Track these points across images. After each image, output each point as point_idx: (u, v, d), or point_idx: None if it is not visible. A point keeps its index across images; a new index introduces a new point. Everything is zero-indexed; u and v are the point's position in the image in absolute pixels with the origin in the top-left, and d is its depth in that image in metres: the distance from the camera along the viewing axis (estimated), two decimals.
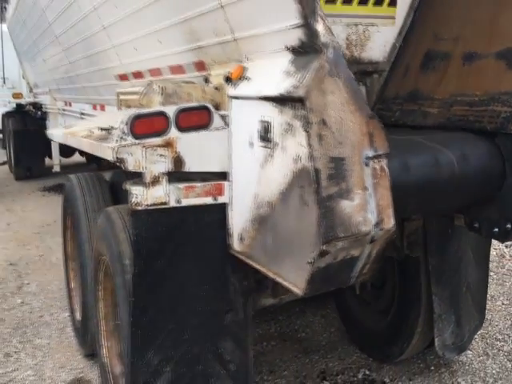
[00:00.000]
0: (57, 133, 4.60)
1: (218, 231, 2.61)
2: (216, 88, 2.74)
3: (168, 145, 2.47)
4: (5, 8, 11.49)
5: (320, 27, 1.96)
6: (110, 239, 2.92)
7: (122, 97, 4.61)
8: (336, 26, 2.98)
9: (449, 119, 2.89)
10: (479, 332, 4.33)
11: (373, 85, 3.33)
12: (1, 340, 4.56)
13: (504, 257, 6.28)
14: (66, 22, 5.65)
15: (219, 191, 2.58)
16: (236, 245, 2.57)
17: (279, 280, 2.26)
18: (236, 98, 2.49)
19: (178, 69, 3.41)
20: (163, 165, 2.46)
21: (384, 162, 2.07)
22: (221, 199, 2.59)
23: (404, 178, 2.37)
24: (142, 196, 2.45)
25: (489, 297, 5.02)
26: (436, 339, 3.55)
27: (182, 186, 2.51)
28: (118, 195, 4.06)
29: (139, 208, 2.46)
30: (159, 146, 2.45)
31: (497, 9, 2.83)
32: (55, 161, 10.73)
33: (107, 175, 4.42)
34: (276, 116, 2.13)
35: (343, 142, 2.00)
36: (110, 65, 4.83)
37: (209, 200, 2.57)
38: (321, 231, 1.94)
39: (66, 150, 11.18)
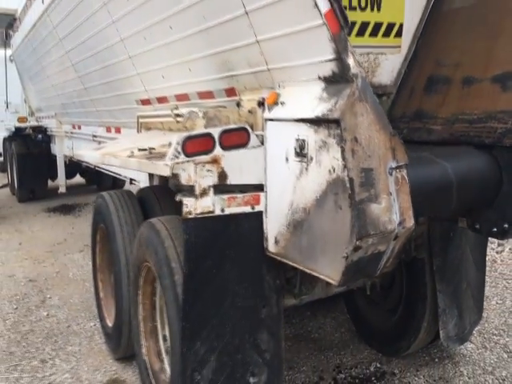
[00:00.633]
0: (89, 154, 4.94)
1: (256, 236, 2.99)
2: (249, 111, 3.14)
3: (214, 161, 2.87)
4: (9, 35, 11.92)
5: (351, 61, 2.38)
6: (156, 246, 3.30)
7: (141, 120, 5.03)
8: None
9: (451, 135, 3.30)
10: (477, 328, 4.76)
11: (382, 106, 3.74)
12: (34, 348, 4.88)
13: (496, 262, 6.73)
14: (87, 51, 6.06)
15: (256, 201, 2.97)
16: (271, 247, 2.96)
17: (315, 274, 2.65)
18: (271, 120, 2.88)
19: (207, 94, 3.82)
20: (210, 179, 2.86)
21: (404, 172, 2.48)
22: (258, 208, 2.98)
23: (418, 186, 2.78)
24: (192, 206, 2.84)
25: (484, 297, 5.47)
26: (441, 331, 3.96)
27: (225, 196, 2.90)
28: (145, 209, 4.43)
29: (190, 216, 2.85)
30: (207, 162, 2.85)
31: (492, 39, 3.26)
32: (61, 182, 11.08)
33: (135, 192, 4.76)
34: (311, 135, 2.53)
35: (371, 156, 2.40)
36: (133, 90, 5.23)
37: (247, 209, 2.96)
38: (355, 229, 2.34)
39: (68, 172, 11.55)
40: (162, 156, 3.28)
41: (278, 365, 3.18)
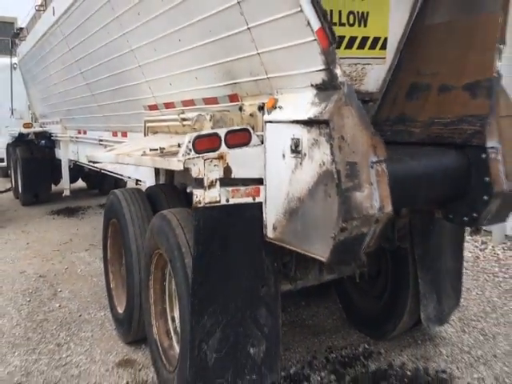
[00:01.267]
0: (103, 155, 5.36)
1: (256, 223, 3.41)
2: (251, 115, 3.58)
3: (220, 158, 3.30)
4: (15, 43, 12.37)
5: (338, 71, 2.81)
6: (168, 234, 3.73)
7: (148, 124, 5.48)
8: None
9: (429, 136, 3.76)
10: (457, 315, 5.26)
11: (369, 110, 4.19)
12: (49, 334, 5.28)
13: (479, 258, 7.19)
14: (97, 60, 6.49)
15: (257, 193, 3.40)
16: (270, 233, 3.38)
17: (308, 254, 3.08)
18: (270, 122, 3.31)
19: (211, 100, 4.25)
20: (217, 173, 3.29)
21: (384, 165, 2.92)
22: (258, 199, 3.40)
23: (401, 179, 3.21)
24: (201, 196, 3.27)
25: (465, 289, 5.95)
26: (422, 314, 4.40)
27: (230, 189, 3.33)
28: (154, 204, 4.84)
29: (199, 205, 3.28)
30: (214, 158, 3.28)
31: (464, 51, 3.70)
32: (66, 185, 11.52)
33: (144, 189, 5.19)
34: (305, 134, 2.96)
35: (355, 151, 2.84)
36: (141, 97, 5.65)
37: (249, 200, 3.39)
38: (341, 213, 2.77)
39: (71, 177, 11.98)
40: (172, 154, 3.72)
41: (275, 338, 3.60)
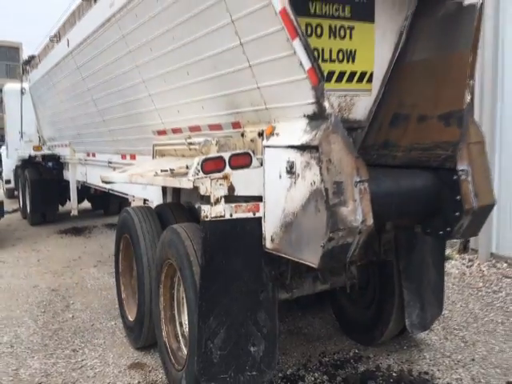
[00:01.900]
0: (117, 176, 5.86)
1: (256, 235, 3.87)
2: (251, 140, 4.07)
3: (225, 178, 3.78)
4: (26, 70, 12.95)
5: (326, 104, 3.31)
6: (178, 245, 4.20)
7: (157, 148, 5.98)
8: (332, 97, 4.32)
9: (409, 160, 4.25)
10: (441, 325, 5.73)
11: (357, 137, 4.69)
12: (65, 341, 5.73)
13: (465, 274, 7.65)
14: (109, 88, 7.02)
15: (257, 209, 3.86)
16: (268, 244, 3.84)
17: (302, 261, 3.54)
18: (268, 146, 3.79)
19: (216, 127, 4.74)
20: (222, 191, 3.77)
21: (366, 185, 3.40)
22: (258, 214, 3.87)
23: (382, 196, 3.69)
24: (208, 211, 3.75)
25: (450, 301, 6.45)
26: (406, 320, 4.85)
27: (233, 205, 3.81)
28: (162, 220, 5.30)
29: (206, 219, 3.76)
30: (220, 178, 3.77)
31: (439, 86, 4.21)
32: (74, 205, 12.03)
33: (154, 207, 5.67)
34: (298, 157, 3.44)
35: (341, 172, 3.32)
36: (150, 123, 6.16)
37: (250, 215, 3.86)
38: (329, 225, 3.24)
39: (78, 198, 12.48)
40: (182, 175, 4.20)
41: (273, 338, 4.04)
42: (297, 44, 3.25)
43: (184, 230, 4.28)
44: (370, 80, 4.58)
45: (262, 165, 3.86)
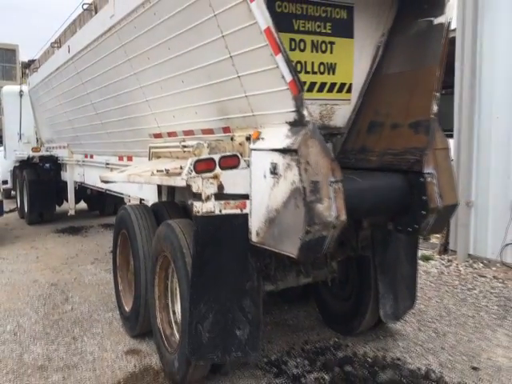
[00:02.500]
0: (115, 175, 6.26)
1: (243, 230, 4.27)
2: (240, 144, 4.48)
3: (215, 177, 4.20)
4: (25, 73, 13.35)
5: (305, 112, 3.74)
6: (172, 239, 4.61)
7: (153, 150, 6.38)
8: (313, 106, 4.78)
9: (382, 164, 4.69)
10: (416, 318, 6.19)
11: (337, 142, 5.12)
12: (65, 330, 6.13)
13: (443, 273, 8.12)
14: (108, 94, 7.43)
15: (244, 206, 4.28)
16: (254, 238, 4.24)
17: (283, 252, 3.95)
18: (254, 149, 4.20)
19: (208, 131, 5.16)
20: (212, 189, 4.18)
21: (340, 184, 3.82)
22: (244, 211, 4.27)
23: (355, 195, 4.12)
24: (200, 207, 4.16)
25: (427, 297, 6.89)
26: (380, 310, 5.28)
27: (222, 202, 4.22)
28: (158, 217, 5.71)
29: (198, 214, 4.17)
30: (210, 177, 4.18)
31: (410, 97, 4.65)
32: (71, 205, 12.45)
33: (150, 205, 6.08)
34: (281, 160, 3.86)
35: (318, 173, 3.74)
36: (147, 126, 6.57)
37: (238, 211, 4.26)
38: (306, 220, 3.66)
39: (75, 198, 12.90)
40: (176, 174, 4.62)
41: (257, 323, 4.44)
42: (279, 59, 3.68)
43: (178, 225, 4.69)
44: (349, 90, 5.02)
45: (248, 166, 4.27)
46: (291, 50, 4.54)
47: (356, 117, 5.09)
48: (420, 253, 9.06)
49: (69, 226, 13.01)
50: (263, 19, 3.66)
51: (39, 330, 6.13)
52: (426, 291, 7.29)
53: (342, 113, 5.05)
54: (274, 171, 3.94)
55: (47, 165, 13.66)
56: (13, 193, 17.21)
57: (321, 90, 4.85)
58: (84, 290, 7.73)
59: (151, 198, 6.74)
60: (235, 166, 4.29)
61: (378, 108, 4.93)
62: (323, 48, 4.75)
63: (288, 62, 3.70)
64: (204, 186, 4.17)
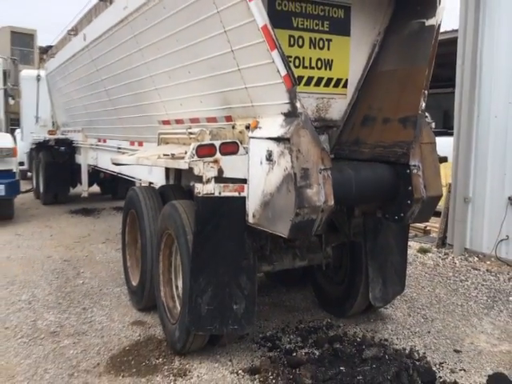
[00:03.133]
0: (126, 158, 6.65)
1: (240, 211, 4.60)
2: (240, 132, 4.81)
3: (216, 162, 4.54)
4: (43, 58, 13.76)
5: (298, 104, 4.07)
6: (175, 217, 4.98)
7: (162, 136, 6.73)
8: (310, 99, 5.11)
9: (373, 155, 5.00)
10: (407, 304, 6.53)
11: (333, 134, 5.43)
12: (76, 302, 6.56)
13: (438, 265, 8.43)
14: (120, 81, 7.80)
15: (242, 189, 4.60)
16: (250, 219, 4.57)
17: (275, 233, 4.30)
18: (253, 137, 4.53)
19: (212, 119, 5.50)
20: (213, 172, 4.52)
21: (329, 172, 4.15)
22: (242, 194, 4.59)
23: (343, 182, 4.46)
24: (201, 189, 4.51)
25: (420, 286, 7.23)
26: (370, 294, 5.60)
27: (222, 185, 4.56)
28: (164, 199, 6.06)
29: (199, 195, 4.52)
30: (211, 162, 4.52)
31: (400, 93, 4.95)
32: (84, 187, 12.91)
33: (157, 188, 6.46)
34: (275, 147, 4.19)
35: (308, 161, 4.08)
36: (156, 113, 6.93)
37: (236, 194, 4.60)
38: (296, 203, 4.00)
39: (88, 181, 13.35)
40: (180, 158, 4.97)
41: (252, 299, 4.78)
42: (275, 54, 4.01)
43: (181, 205, 5.06)
44: (345, 85, 5.33)
45: (247, 153, 4.59)
46: (290, 46, 4.86)
47: (351, 111, 5.39)
48: (419, 246, 9.43)
49: (82, 207, 13.49)
50: (261, 17, 3.99)
51: (52, 300, 6.56)
52: (419, 281, 7.60)
53: (337, 106, 5.35)
54: (269, 158, 4.26)
55: (62, 148, 14.08)
56: (29, 174, 17.70)
57: (318, 84, 5.17)
58: (95, 266, 8.16)
59: (159, 181, 7.11)
60: (234, 152, 4.61)
61: (371, 103, 5.23)
62: (321, 45, 5.06)
63: (283, 57, 4.03)
64: (205, 169, 4.51)
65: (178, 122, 6.39)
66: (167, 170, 6.59)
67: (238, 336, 5.25)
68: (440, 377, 4.72)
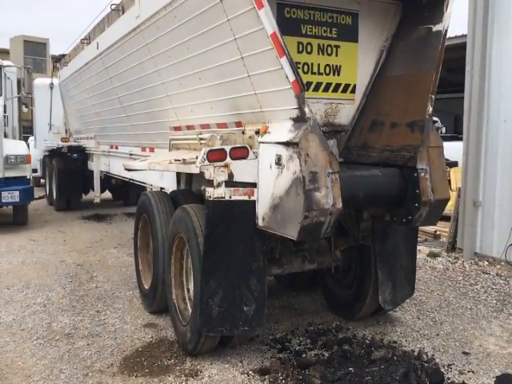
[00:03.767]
0: (138, 164, 6.77)
1: (250, 215, 4.69)
2: (250, 137, 4.91)
3: (226, 166, 4.64)
4: (56, 67, 13.96)
5: (307, 109, 4.16)
6: (187, 221, 5.07)
7: (173, 142, 6.85)
8: (319, 104, 5.20)
9: (381, 159, 5.08)
10: (416, 307, 6.56)
11: (341, 139, 5.52)
12: (90, 305, 6.68)
13: (448, 269, 8.47)
14: (133, 88, 7.94)
15: (252, 193, 4.70)
16: (260, 222, 4.66)
17: (285, 235, 4.38)
18: (262, 142, 4.62)
19: (222, 125, 5.60)
20: (223, 176, 4.62)
21: (337, 175, 4.24)
22: (252, 198, 4.68)
23: (355, 186, 4.54)
24: (211, 193, 4.61)
25: (429, 290, 7.27)
26: (380, 297, 5.65)
27: (232, 189, 4.66)
28: (175, 203, 6.16)
29: (210, 199, 4.62)
30: (221, 166, 4.62)
31: (408, 98, 5.03)
32: (97, 193, 13.08)
33: (169, 193, 6.57)
34: (284, 152, 4.28)
35: (317, 164, 4.16)
36: (168, 119, 7.04)
37: (246, 198, 4.68)
38: (305, 206, 4.09)
39: (101, 188, 13.51)
40: (191, 163, 5.08)
41: (262, 301, 4.86)
42: (283, 61, 4.11)
43: (192, 209, 5.16)
44: (353, 91, 5.42)
45: (257, 157, 4.68)
46: (299, 52, 4.97)
47: (359, 115, 5.49)
48: (428, 250, 9.47)
49: (94, 213, 13.66)
50: (270, 25, 4.10)
51: (66, 303, 6.68)
52: (429, 284, 7.65)
53: (346, 111, 5.45)
54: (278, 162, 4.36)
55: (75, 154, 14.29)
56: (42, 181, 17.93)
57: (326, 89, 5.26)
58: (107, 270, 8.28)
59: (170, 186, 7.21)
60: (244, 157, 4.71)
61: (379, 108, 5.32)
62: (329, 51, 5.16)
63: (291, 63, 4.13)
64: (215, 173, 4.61)
65: (189, 127, 6.49)
66: (178, 175, 6.69)
67: (248, 337, 5.33)
68: (448, 378, 4.77)
